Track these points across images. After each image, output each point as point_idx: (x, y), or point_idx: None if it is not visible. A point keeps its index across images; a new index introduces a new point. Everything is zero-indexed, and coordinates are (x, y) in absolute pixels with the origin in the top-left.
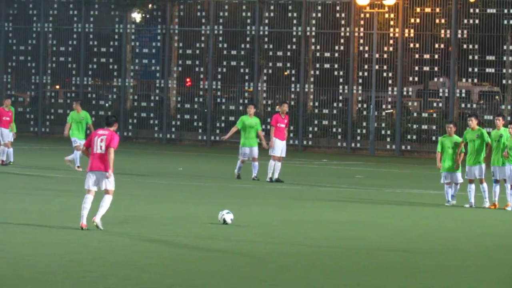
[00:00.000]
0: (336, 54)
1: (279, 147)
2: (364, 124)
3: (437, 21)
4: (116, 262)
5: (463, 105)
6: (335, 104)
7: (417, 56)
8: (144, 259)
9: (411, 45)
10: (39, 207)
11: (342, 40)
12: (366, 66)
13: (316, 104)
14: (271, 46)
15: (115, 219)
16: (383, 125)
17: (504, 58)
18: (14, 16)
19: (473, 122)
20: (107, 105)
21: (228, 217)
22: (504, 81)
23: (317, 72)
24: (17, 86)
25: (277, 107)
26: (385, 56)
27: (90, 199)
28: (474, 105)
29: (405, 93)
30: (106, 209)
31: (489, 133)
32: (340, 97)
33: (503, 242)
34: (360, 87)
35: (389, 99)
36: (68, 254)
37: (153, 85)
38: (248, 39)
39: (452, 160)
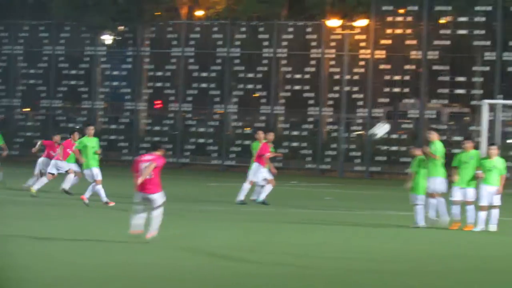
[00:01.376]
0: (307, 76)
1: (262, 174)
2: (334, 145)
3: (408, 42)
4: (107, 281)
5: (433, 126)
6: (305, 126)
7: (387, 77)
8: (130, 280)
9: (382, 66)
10: (22, 226)
11: (313, 62)
12: (337, 88)
13: (287, 125)
14: (242, 68)
15: (98, 238)
16: (353, 146)
17: (474, 79)
18: None
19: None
20: (76, 128)
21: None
22: (474, 102)
23: (288, 94)
24: None
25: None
26: (356, 77)
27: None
28: (445, 127)
29: (375, 114)
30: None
31: (457, 155)
32: (311, 119)
33: (471, 264)
34: (330, 109)
35: (359, 121)
36: (52, 271)
37: (123, 108)
38: (219, 61)
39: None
